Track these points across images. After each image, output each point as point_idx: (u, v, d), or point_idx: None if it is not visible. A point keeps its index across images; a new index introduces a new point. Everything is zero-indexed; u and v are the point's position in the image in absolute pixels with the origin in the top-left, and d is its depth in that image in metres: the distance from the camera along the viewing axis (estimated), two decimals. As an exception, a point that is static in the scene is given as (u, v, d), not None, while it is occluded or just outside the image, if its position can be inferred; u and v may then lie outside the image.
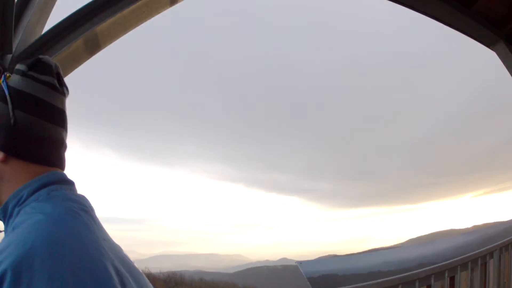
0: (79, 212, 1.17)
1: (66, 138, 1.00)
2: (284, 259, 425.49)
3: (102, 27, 3.11)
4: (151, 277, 69.18)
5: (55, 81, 1.24)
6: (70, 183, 1.27)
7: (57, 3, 3.26)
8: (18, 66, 1.20)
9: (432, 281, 4.44)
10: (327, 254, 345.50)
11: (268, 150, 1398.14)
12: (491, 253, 5.07)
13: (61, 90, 1.26)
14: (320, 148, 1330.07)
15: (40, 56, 0.95)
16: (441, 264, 4.69)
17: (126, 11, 3.06)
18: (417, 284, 4.35)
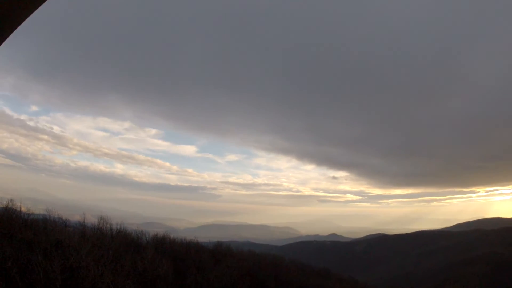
0: None
1: None
2: (334, 234, 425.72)
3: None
4: (199, 246, 70.67)
5: None
6: None
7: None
8: None
9: None
10: (376, 232, 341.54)
11: (319, 122, 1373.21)
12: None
13: None
14: (371, 120, 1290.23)
15: None
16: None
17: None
18: None
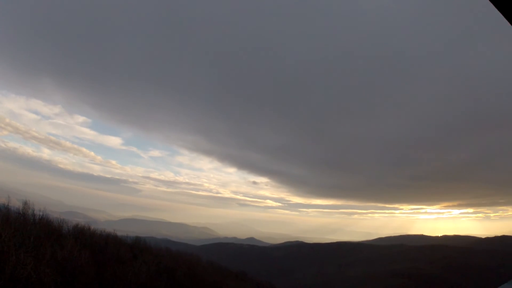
0: None
1: None
2: (252, 238, 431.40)
3: None
4: (118, 240, 70.14)
5: None
6: None
7: None
8: None
9: None
10: (295, 240, 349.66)
11: (243, 126, 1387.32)
12: None
13: None
14: (295, 131, 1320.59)
15: None
16: None
17: None
18: None
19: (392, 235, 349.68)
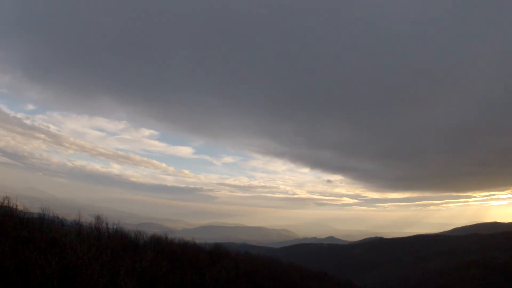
0: None
1: None
2: (331, 237, 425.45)
3: None
4: (196, 247, 70.09)
5: None
6: None
7: None
8: None
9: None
10: (374, 236, 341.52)
11: (310, 126, 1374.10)
12: None
13: None
14: (361, 126, 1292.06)
15: None
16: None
17: None
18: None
19: (467, 224, 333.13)
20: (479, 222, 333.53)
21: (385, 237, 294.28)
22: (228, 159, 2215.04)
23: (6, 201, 39.98)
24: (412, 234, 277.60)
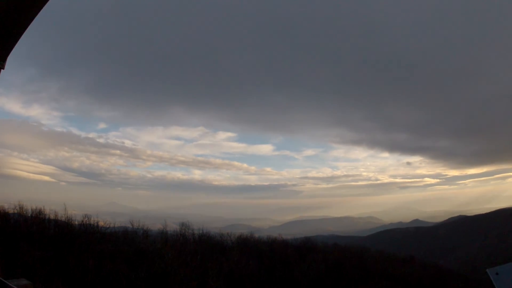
0: None
1: None
2: (417, 220, 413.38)
3: None
4: (283, 243, 69.37)
5: None
6: None
7: None
8: None
9: None
10: (457, 214, 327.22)
11: (380, 109, 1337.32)
12: None
13: None
14: (428, 104, 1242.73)
15: None
16: None
17: None
18: None
19: None
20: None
21: (468, 214, 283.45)
22: (309, 152, 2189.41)
23: (86, 219, 40.78)
24: (494, 209, 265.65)
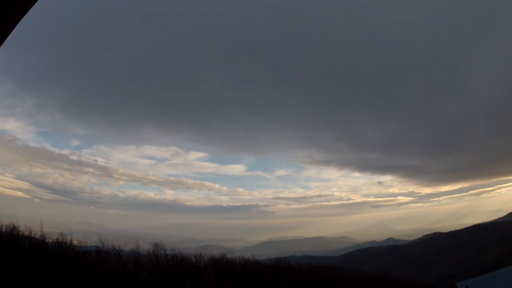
0: None
1: None
2: (391, 239, 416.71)
3: None
4: (257, 264, 68.95)
5: None
6: None
7: None
8: None
9: None
10: (431, 232, 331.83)
11: (348, 130, 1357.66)
12: None
13: None
14: (398, 122, 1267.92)
15: None
16: None
17: None
18: None
19: None
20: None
21: (443, 231, 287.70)
22: (281, 172, 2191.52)
23: (60, 237, 40.12)
24: (469, 225, 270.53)
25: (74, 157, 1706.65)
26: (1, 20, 8.39)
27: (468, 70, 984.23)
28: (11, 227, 37.96)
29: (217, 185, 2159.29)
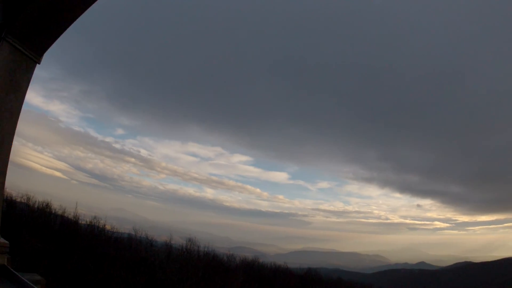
0: None
1: None
2: (423, 262, 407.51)
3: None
4: (288, 272, 67.61)
5: None
6: None
7: None
8: None
9: None
10: (464, 260, 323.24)
11: (392, 150, 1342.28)
12: None
13: None
14: (443, 149, 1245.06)
15: None
16: None
17: None
18: None
19: None
20: None
21: (474, 261, 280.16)
22: (323, 184, 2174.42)
23: (93, 220, 39.97)
24: (500, 258, 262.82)
25: (117, 146, 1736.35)
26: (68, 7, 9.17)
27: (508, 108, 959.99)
28: (44, 204, 37.91)
29: (258, 190, 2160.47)
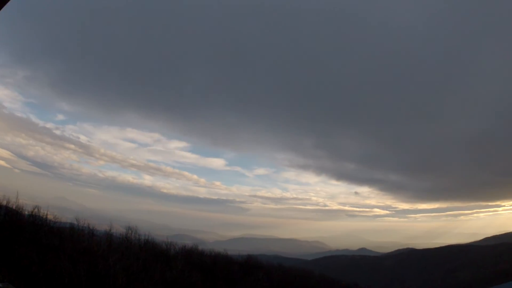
0: None
1: None
2: (364, 249, 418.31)
3: None
4: (228, 259, 69.39)
5: None
6: None
7: None
8: None
9: None
10: (404, 247, 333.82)
11: (328, 139, 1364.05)
12: None
13: None
14: (381, 140, 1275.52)
15: None
16: None
17: None
18: None
19: (497, 234, 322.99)
20: (508, 232, 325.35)
21: (416, 248, 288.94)
22: (261, 171, 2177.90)
23: (36, 210, 40.17)
24: (443, 245, 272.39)
25: (58, 132, 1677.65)
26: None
27: (451, 101, 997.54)
28: (-12, 195, 37.61)
29: (195, 176, 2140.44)
